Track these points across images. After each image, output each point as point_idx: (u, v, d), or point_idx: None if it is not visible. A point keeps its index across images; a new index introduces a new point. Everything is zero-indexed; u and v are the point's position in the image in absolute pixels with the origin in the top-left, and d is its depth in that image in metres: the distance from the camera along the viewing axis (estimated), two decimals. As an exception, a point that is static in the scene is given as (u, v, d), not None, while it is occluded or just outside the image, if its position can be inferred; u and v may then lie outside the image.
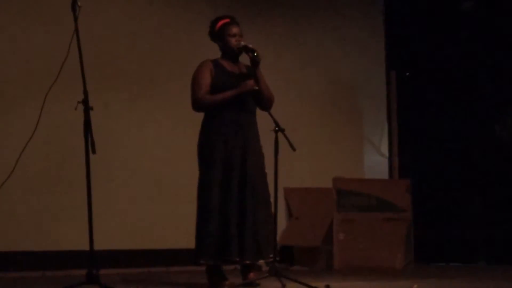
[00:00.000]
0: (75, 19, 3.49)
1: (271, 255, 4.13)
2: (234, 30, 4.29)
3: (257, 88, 4.15)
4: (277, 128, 4.04)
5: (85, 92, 3.40)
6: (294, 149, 3.98)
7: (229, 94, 4.19)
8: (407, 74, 7.92)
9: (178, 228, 6.14)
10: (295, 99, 7.09)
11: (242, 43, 4.26)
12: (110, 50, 6.18)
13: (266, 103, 4.28)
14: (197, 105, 4.26)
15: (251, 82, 4.17)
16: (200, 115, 4.38)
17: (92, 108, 3.38)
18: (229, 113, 4.21)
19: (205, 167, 4.22)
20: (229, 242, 4.09)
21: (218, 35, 4.33)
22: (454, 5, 7.46)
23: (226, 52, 4.35)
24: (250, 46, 4.22)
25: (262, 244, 4.14)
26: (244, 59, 4.38)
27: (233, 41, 4.28)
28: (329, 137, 7.44)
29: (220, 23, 4.33)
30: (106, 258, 5.34)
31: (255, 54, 4.18)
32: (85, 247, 3.35)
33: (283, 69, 6.97)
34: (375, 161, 7.79)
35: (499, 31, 7.19)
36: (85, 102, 3.39)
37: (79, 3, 3.51)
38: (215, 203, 4.12)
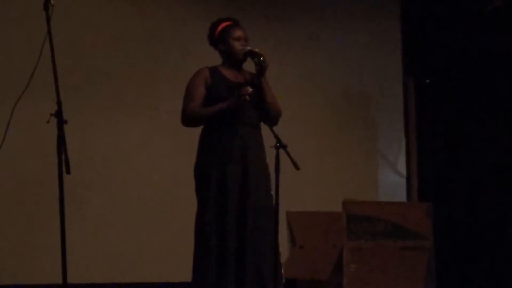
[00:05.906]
0: (48, 19, 3.48)
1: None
2: (238, 33, 4.23)
3: (248, 98, 4.00)
4: (278, 144, 3.99)
5: (59, 103, 3.36)
6: (297, 168, 3.94)
7: (219, 107, 4.10)
8: (427, 81, 7.93)
9: (163, 259, 6.17)
10: (300, 110, 7.09)
11: (248, 47, 4.19)
12: (88, 55, 6.20)
13: (271, 116, 4.24)
14: (183, 118, 4.20)
15: (243, 90, 4.03)
16: (193, 130, 4.31)
17: (66, 122, 3.34)
18: (227, 127, 4.14)
19: (202, 190, 4.16)
20: (226, 273, 4.03)
21: (219, 39, 4.27)
22: (476, 6, 7.47)
23: (228, 58, 4.28)
24: (256, 50, 4.14)
25: (266, 275, 4.08)
26: (249, 66, 4.29)
27: (237, 45, 4.22)
28: (339, 154, 7.43)
29: (222, 25, 4.28)
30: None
31: (261, 59, 4.10)
32: (59, 280, 3.33)
33: (288, 77, 6.97)
34: (391, 181, 7.78)
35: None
36: (58, 114, 3.35)
37: (52, 2, 3.49)
38: (213, 232, 4.07)
